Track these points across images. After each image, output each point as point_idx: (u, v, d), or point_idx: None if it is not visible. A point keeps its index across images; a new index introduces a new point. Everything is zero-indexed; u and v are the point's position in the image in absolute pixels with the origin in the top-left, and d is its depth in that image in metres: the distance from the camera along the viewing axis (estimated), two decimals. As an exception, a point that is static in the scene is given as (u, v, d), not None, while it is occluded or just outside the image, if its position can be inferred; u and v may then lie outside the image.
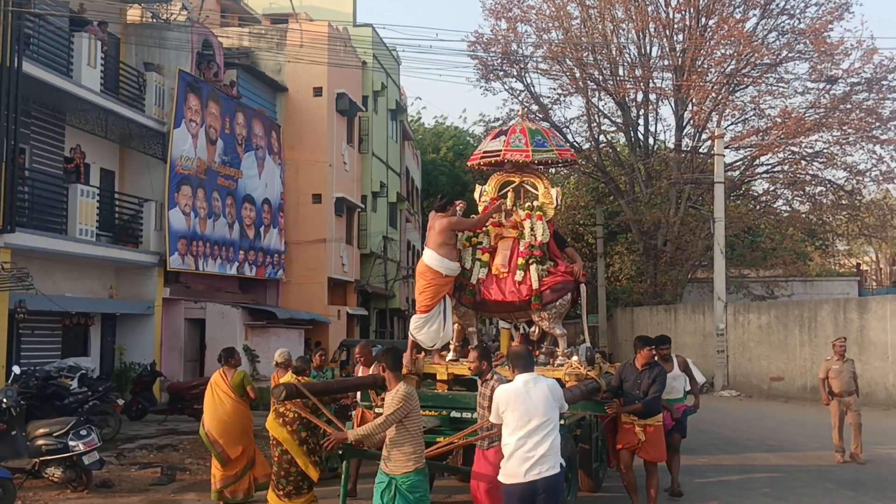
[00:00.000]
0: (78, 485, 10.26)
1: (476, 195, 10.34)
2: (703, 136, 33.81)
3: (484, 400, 7.09)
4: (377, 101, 32.06)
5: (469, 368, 7.75)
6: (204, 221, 21.44)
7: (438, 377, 9.69)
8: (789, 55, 32.31)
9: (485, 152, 10.17)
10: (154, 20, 21.93)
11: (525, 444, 5.90)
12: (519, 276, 9.43)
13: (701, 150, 33.69)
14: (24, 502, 9.85)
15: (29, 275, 14.87)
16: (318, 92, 26.75)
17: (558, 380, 8.27)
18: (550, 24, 35.32)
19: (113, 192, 19.99)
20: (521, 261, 9.51)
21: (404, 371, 9.01)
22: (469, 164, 10.56)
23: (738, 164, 34.16)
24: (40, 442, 10.20)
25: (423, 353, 9.90)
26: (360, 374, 10.37)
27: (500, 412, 6.12)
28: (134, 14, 21.68)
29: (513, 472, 5.93)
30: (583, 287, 9.60)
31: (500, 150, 9.94)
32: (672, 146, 34.72)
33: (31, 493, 10.26)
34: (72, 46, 17.68)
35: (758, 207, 35.44)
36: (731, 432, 16.52)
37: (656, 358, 9.71)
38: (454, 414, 8.62)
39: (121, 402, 15.35)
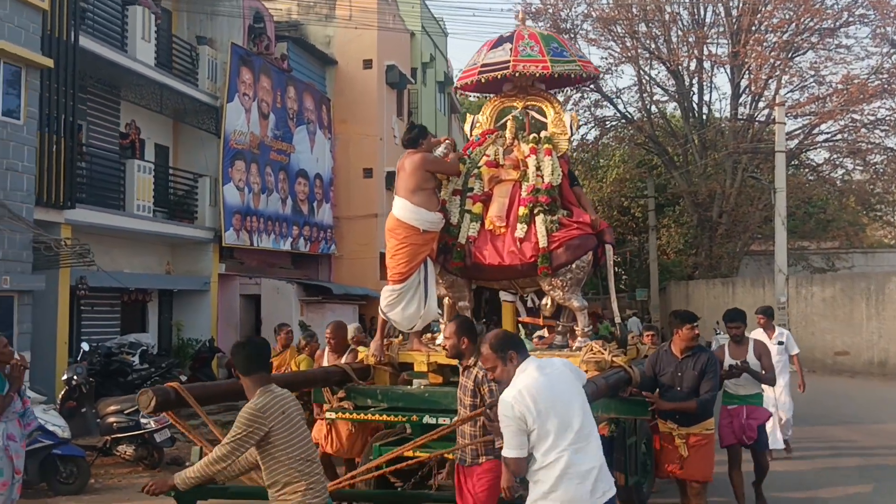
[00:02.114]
0: (150, 462, 10.16)
1: (466, 127, 8.14)
2: (760, 105, 33.00)
3: (465, 395, 5.36)
4: (426, 73, 31.61)
5: (444, 348, 5.82)
6: (258, 196, 21.27)
7: (416, 368, 7.38)
8: (850, 19, 31.25)
9: (483, 65, 7.65)
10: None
11: (579, 456, 4.16)
12: (520, 230, 7.12)
13: (758, 119, 32.81)
14: (97, 480, 9.75)
15: (90, 251, 14.76)
16: (367, 64, 26.36)
17: None
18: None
19: (167, 168, 19.87)
20: (522, 210, 7.17)
21: (371, 360, 7.28)
22: (459, 83, 8.08)
23: (796, 132, 33.22)
24: (111, 419, 10.08)
25: (399, 337, 7.76)
26: (325, 363, 8.14)
27: (530, 425, 4.13)
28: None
29: (577, 497, 4.16)
30: (608, 245, 7.27)
31: (508, 62, 7.48)
32: (727, 115, 33.89)
33: (102, 470, 10.17)
34: (125, 20, 17.50)
35: (815, 177, 34.51)
36: (802, 407, 15.93)
37: (732, 335, 8.05)
38: (429, 419, 6.29)
39: (183, 378, 15.26)
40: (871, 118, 31.61)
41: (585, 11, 34.18)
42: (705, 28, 32.76)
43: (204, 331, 19.59)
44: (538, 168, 7.35)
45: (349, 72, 26.51)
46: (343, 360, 7.68)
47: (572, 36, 34.25)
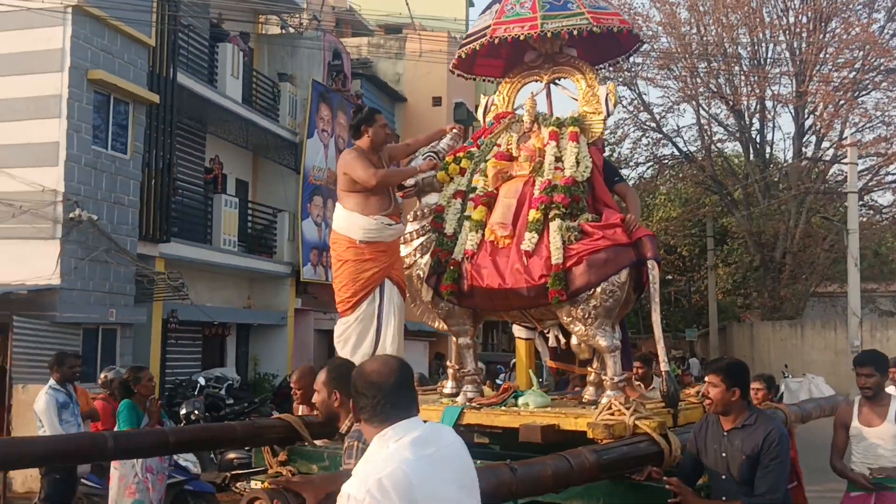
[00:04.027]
0: (269, 501, 10.02)
1: (480, 111, 6.40)
2: (824, 145, 32.70)
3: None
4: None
5: (314, 404, 4.40)
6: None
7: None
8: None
9: (467, 36, 6.16)
10: (283, 31, 22.04)
11: None
12: (528, 241, 5.32)
13: (823, 159, 32.52)
14: (217, 518, 9.64)
15: (184, 284, 14.87)
16: (437, 101, 26.53)
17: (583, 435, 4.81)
18: (660, 31, 34.55)
19: (247, 203, 20.02)
20: (533, 214, 5.39)
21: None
22: (452, 68, 6.46)
23: (861, 172, 32.81)
24: (231, 455, 10.00)
25: None
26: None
27: None
28: (266, 25, 21.81)
29: None
30: (651, 261, 5.19)
31: (488, 27, 5.85)
32: (790, 154, 33.66)
33: (220, 507, 10.06)
34: (216, 57, 17.75)
35: (879, 218, 34.05)
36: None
37: (862, 388, 5.59)
38: None
39: (275, 413, 15.18)
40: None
41: (645, 51, 34.19)
42: (767, 65, 32.64)
43: (280, 365, 19.58)
44: (558, 158, 5.61)
45: (419, 109, 26.67)
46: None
47: (634, 74, 34.28)
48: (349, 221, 5.47)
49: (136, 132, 13.59)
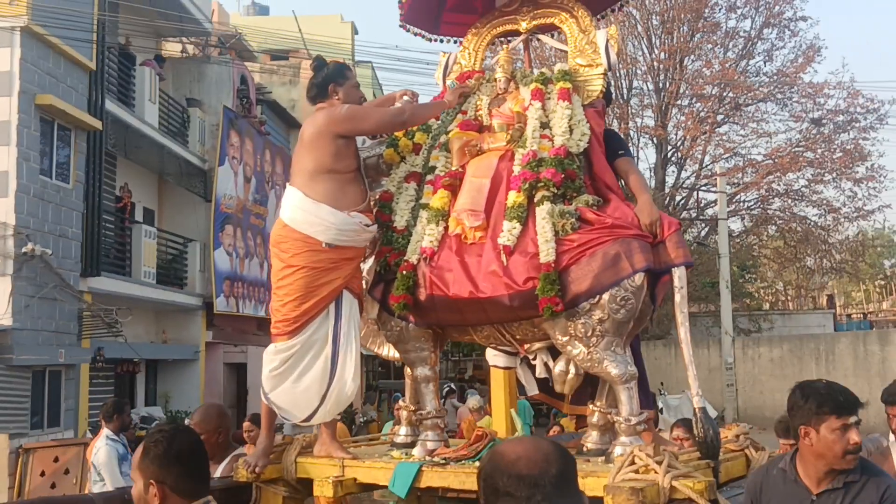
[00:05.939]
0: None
1: (438, 73, 5.01)
2: (683, 174, 34.90)
3: None
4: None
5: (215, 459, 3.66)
6: (242, 261, 20.76)
7: (317, 489, 4.07)
8: (769, 94, 33.68)
9: None
10: (183, 55, 21.33)
11: None
12: (507, 234, 4.01)
13: (683, 187, 34.73)
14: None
15: (118, 321, 14.08)
16: (332, 129, 26.34)
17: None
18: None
19: (158, 233, 19.15)
20: (513, 198, 4.11)
21: (243, 475, 4.21)
22: (404, 21, 4.95)
23: (713, 202, 35.24)
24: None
25: (314, 433, 4.55)
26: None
27: None
28: (171, 49, 21.03)
29: None
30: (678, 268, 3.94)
31: None
32: (652, 184, 35.65)
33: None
34: (133, 81, 16.96)
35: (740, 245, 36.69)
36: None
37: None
38: None
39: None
40: (785, 189, 34.01)
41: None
42: (631, 98, 34.58)
43: (192, 402, 18.70)
44: (544, 124, 4.32)
45: (315, 136, 26.38)
46: (219, 471, 4.49)
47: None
48: (316, 216, 4.13)
49: (77, 160, 12.80)
